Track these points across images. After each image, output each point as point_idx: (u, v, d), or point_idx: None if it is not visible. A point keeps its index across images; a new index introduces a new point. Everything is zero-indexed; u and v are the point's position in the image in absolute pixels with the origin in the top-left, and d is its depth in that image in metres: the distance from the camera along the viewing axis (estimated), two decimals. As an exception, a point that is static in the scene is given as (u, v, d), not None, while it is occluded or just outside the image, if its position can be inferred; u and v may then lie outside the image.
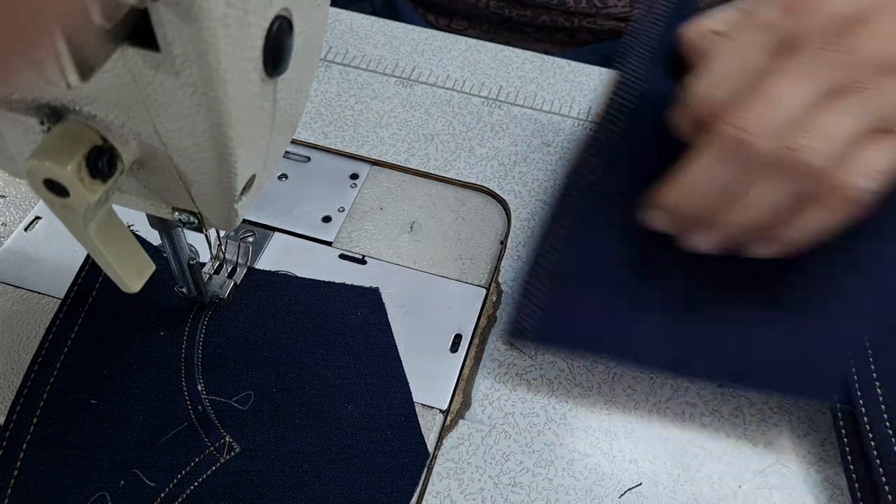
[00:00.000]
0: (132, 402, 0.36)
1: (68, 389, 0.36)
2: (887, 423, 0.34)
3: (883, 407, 0.35)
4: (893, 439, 0.34)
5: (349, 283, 0.41)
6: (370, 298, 0.40)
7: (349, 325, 0.39)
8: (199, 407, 0.36)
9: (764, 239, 0.34)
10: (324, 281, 0.40)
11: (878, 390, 0.35)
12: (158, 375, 0.37)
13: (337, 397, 0.36)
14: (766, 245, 0.34)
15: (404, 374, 0.38)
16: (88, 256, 0.40)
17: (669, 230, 0.35)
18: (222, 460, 0.34)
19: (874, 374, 0.35)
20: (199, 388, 0.36)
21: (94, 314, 0.39)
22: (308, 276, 0.41)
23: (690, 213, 0.34)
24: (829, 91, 0.31)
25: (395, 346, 0.38)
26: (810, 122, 0.31)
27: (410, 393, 0.37)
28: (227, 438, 0.35)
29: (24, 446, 0.35)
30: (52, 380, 0.36)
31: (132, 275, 0.29)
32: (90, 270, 0.40)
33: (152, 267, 0.30)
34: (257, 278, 0.40)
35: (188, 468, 0.34)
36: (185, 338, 0.38)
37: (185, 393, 0.36)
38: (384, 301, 0.40)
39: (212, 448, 0.35)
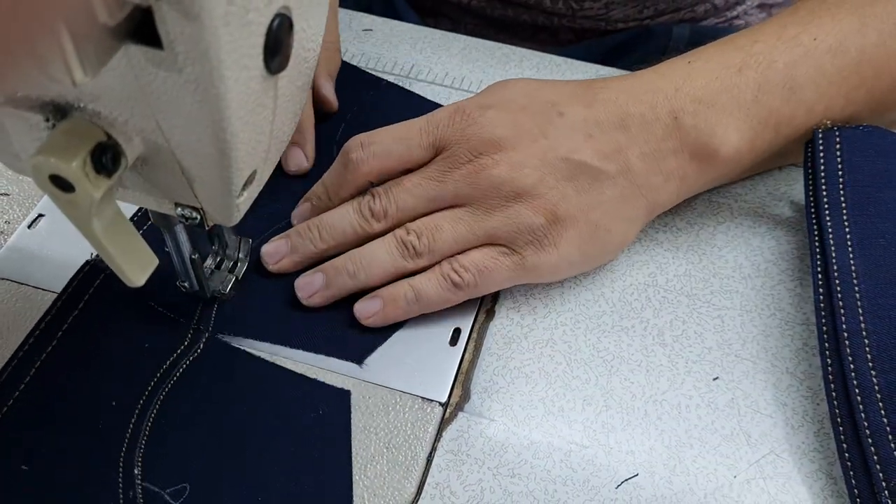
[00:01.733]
0: (68, 459, 0.35)
1: (41, 391, 0.36)
2: (882, 412, 0.35)
3: (878, 395, 0.35)
4: (888, 427, 0.34)
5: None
6: (337, 400, 0.37)
7: (307, 422, 0.37)
8: (131, 493, 0.34)
9: (374, 297, 0.39)
10: (293, 373, 0.38)
11: (874, 379, 0.35)
12: (100, 443, 0.35)
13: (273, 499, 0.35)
14: (370, 301, 0.39)
15: (350, 488, 0.35)
16: (85, 263, 0.41)
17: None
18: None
19: (870, 364, 0.36)
20: (136, 471, 0.34)
21: (90, 312, 0.39)
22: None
23: (308, 242, 0.41)
24: (451, 201, 0.39)
25: (350, 455, 0.36)
26: (432, 221, 0.39)
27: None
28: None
29: None
30: (28, 378, 0.37)
31: (135, 269, 0.30)
32: (85, 276, 0.40)
33: (155, 261, 0.31)
34: (223, 353, 0.39)
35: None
36: (142, 400, 0.36)
37: (120, 472, 0.34)
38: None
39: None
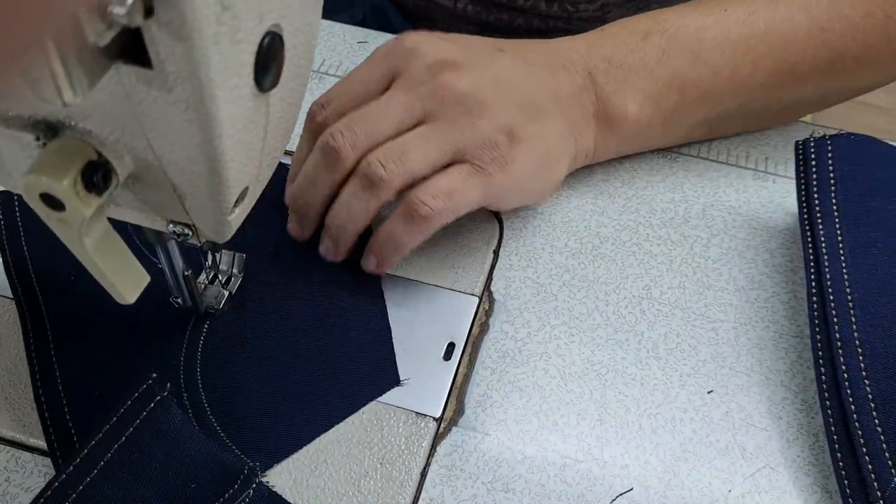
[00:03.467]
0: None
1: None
2: (876, 420, 0.35)
3: (872, 405, 0.35)
4: (882, 435, 0.34)
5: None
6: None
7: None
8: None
9: (368, 252, 0.41)
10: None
11: (867, 388, 0.35)
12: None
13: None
14: (367, 258, 0.41)
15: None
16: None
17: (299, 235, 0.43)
18: (256, 483, 0.34)
19: (863, 373, 0.36)
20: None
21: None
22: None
23: (301, 209, 0.41)
24: (418, 118, 0.39)
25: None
26: (398, 146, 0.38)
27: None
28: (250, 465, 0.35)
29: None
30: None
31: (127, 286, 0.30)
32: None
33: (147, 278, 0.31)
34: (253, 296, 0.41)
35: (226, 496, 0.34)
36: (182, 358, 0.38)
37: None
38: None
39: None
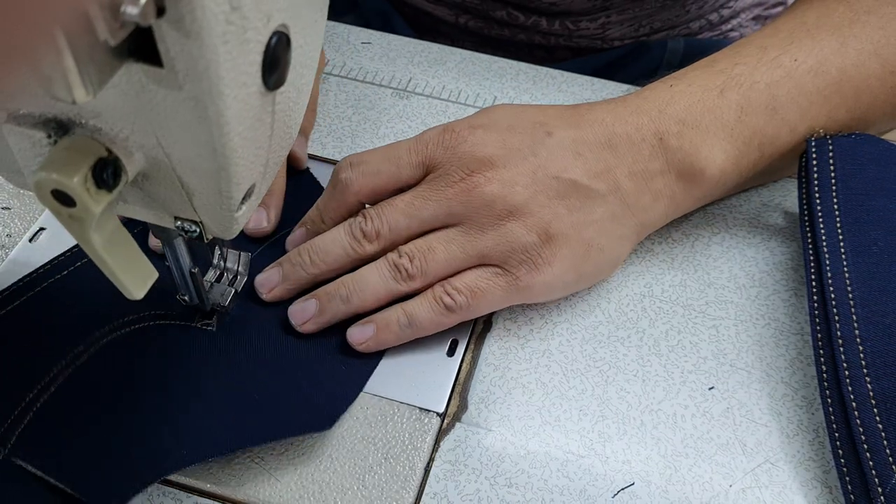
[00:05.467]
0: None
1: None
2: (877, 417, 0.35)
3: (873, 401, 0.35)
4: (883, 432, 0.35)
5: None
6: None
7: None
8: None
9: (367, 322, 0.39)
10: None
11: (868, 385, 0.36)
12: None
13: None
14: (362, 327, 0.39)
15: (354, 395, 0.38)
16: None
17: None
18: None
19: (864, 370, 0.36)
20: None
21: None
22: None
23: (298, 267, 0.40)
24: (445, 221, 0.39)
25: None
26: (424, 243, 0.39)
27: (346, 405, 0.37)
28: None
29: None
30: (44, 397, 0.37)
31: (136, 282, 0.30)
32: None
33: (155, 274, 0.31)
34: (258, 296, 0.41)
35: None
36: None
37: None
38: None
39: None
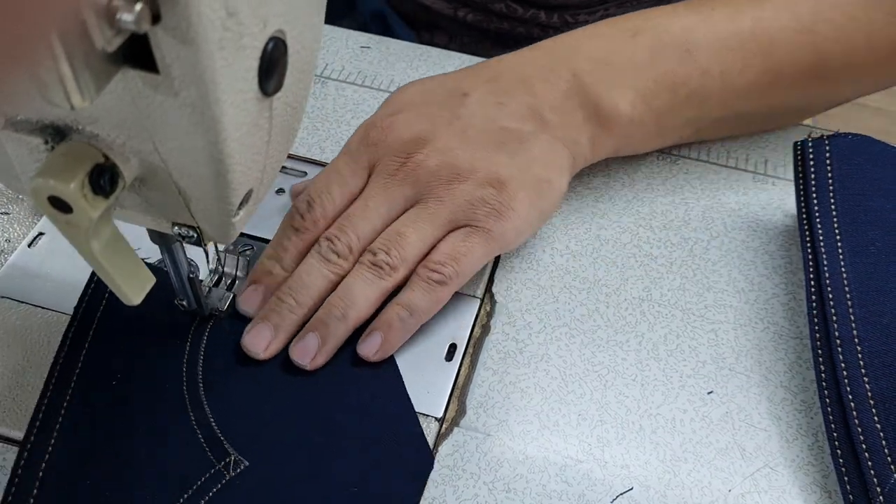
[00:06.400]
0: (140, 436, 0.36)
1: (79, 415, 0.36)
2: (875, 417, 0.35)
3: (872, 402, 0.35)
4: (881, 432, 0.35)
5: None
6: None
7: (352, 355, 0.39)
8: (206, 428, 0.36)
9: (371, 332, 0.38)
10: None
11: (867, 385, 0.36)
12: (163, 403, 0.37)
13: (338, 410, 0.37)
14: (369, 339, 0.38)
15: (406, 392, 0.38)
16: (93, 273, 0.41)
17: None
18: (228, 476, 0.35)
19: (862, 370, 0.36)
20: (206, 409, 0.37)
21: (102, 333, 0.39)
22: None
23: (279, 312, 0.38)
24: (403, 206, 0.39)
25: (396, 365, 0.39)
26: (393, 232, 0.39)
27: (413, 408, 0.37)
28: (234, 456, 0.35)
29: (41, 473, 0.35)
30: (66, 404, 0.37)
31: (133, 288, 0.30)
32: (96, 287, 0.41)
33: (153, 280, 0.31)
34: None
35: (194, 487, 0.34)
36: (185, 359, 0.38)
37: (192, 419, 0.36)
38: None
39: (219, 466, 0.35)
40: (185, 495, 0.34)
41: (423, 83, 0.43)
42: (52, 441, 0.35)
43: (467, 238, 0.39)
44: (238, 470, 0.35)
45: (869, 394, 0.36)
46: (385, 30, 0.68)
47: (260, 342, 0.38)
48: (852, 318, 0.37)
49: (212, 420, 0.36)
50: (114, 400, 0.37)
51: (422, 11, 0.68)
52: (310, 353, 0.38)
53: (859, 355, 0.36)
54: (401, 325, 0.38)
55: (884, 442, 0.34)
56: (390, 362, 0.39)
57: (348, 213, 0.40)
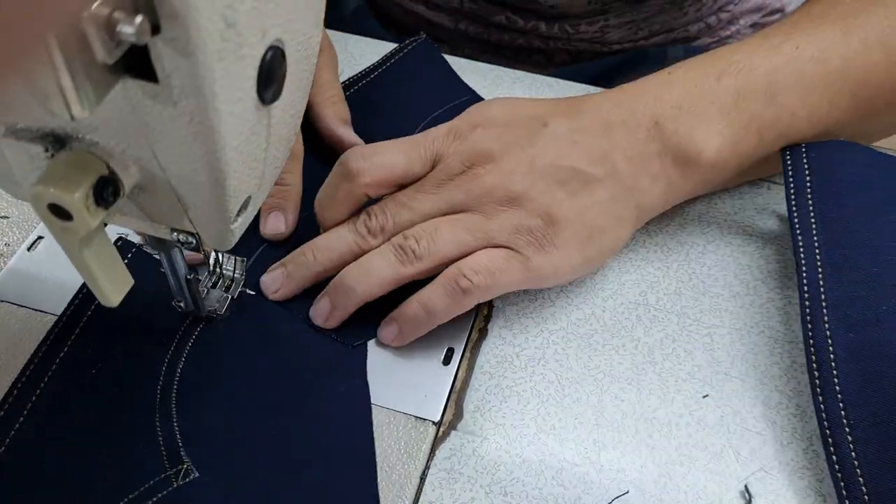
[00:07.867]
0: (104, 428, 0.36)
1: (52, 398, 0.37)
2: (867, 424, 0.35)
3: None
4: (874, 441, 0.35)
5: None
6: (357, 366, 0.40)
7: (330, 390, 0.39)
8: (168, 432, 0.36)
9: (390, 322, 0.40)
10: (314, 335, 0.41)
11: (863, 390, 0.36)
12: (134, 401, 0.37)
13: (300, 449, 0.36)
14: (386, 327, 0.40)
15: (373, 449, 0.37)
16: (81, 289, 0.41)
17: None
18: (176, 484, 0.34)
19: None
20: (173, 414, 0.37)
21: (89, 328, 0.39)
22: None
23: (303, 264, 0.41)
24: (449, 206, 0.40)
25: (370, 414, 0.38)
26: (430, 225, 0.39)
27: (375, 463, 0.36)
28: (187, 465, 0.35)
29: (2, 448, 0.35)
30: (42, 385, 0.37)
31: (114, 290, 0.30)
32: (88, 291, 0.41)
33: (131, 282, 0.31)
34: (254, 301, 0.41)
35: (141, 489, 0.34)
36: (166, 362, 0.38)
37: (157, 420, 0.36)
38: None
39: (170, 472, 0.35)
40: (131, 495, 0.34)
41: (507, 103, 0.42)
42: (21, 419, 0.36)
43: (508, 258, 0.38)
44: (187, 480, 0.35)
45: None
46: (363, 30, 0.68)
47: (271, 284, 0.41)
48: (826, 320, 0.38)
49: (176, 426, 0.36)
50: (88, 388, 0.37)
51: (423, 24, 0.68)
52: (322, 316, 0.40)
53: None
54: (416, 323, 0.39)
55: (878, 449, 0.35)
56: (367, 427, 0.38)
57: (395, 197, 0.40)
